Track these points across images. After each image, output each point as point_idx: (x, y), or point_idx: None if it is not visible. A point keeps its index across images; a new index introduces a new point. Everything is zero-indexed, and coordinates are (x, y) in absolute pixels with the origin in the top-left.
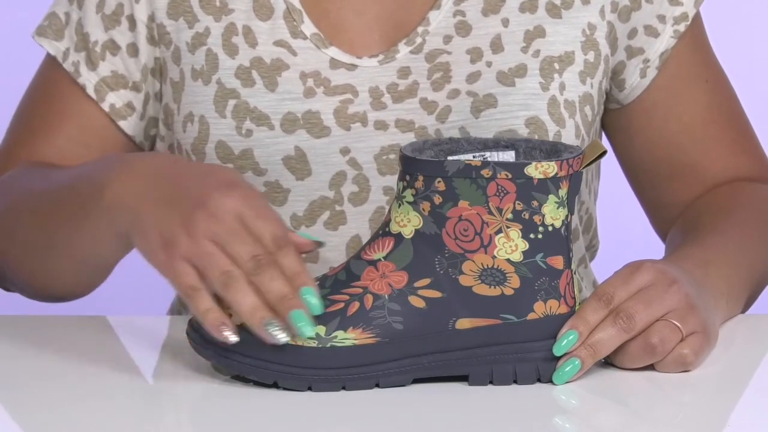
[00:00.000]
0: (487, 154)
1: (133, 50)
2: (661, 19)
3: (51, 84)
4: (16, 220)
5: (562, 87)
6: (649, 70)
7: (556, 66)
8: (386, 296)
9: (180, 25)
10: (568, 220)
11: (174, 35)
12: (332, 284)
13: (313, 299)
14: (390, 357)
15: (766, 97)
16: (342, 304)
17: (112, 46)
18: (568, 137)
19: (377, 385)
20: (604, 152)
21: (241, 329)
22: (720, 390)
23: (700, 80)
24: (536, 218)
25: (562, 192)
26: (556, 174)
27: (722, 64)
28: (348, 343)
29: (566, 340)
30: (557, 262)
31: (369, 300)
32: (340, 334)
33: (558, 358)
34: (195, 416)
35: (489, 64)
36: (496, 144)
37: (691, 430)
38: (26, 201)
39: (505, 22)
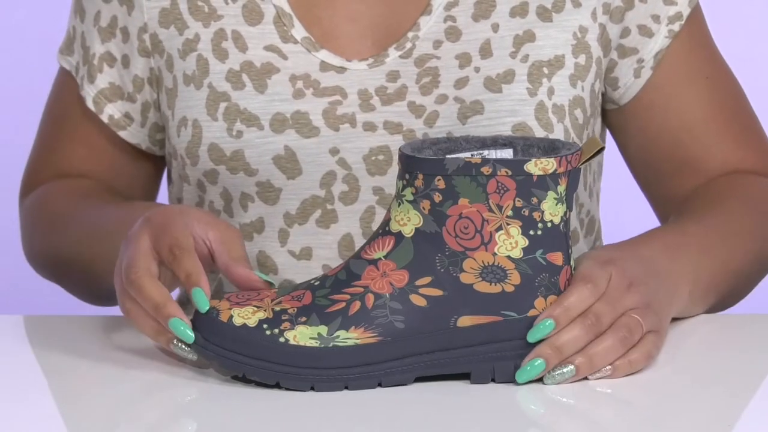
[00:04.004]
0: (486, 152)
1: (126, 61)
2: (656, 18)
3: (63, 98)
4: (61, 237)
5: (550, 91)
6: (644, 70)
7: (545, 70)
8: (387, 295)
9: (171, 32)
10: (567, 216)
11: (166, 43)
12: (333, 284)
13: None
14: (392, 356)
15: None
16: (343, 304)
17: (109, 58)
18: None
19: (380, 385)
20: (602, 148)
21: (244, 329)
22: (720, 390)
23: (700, 77)
24: (536, 215)
25: (561, 188)
26: (555, 170)
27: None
28: (350, 342)
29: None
30: (557, 258)
31: (370, 299)
32: (342, 333)
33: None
34: (195, 416)
35: (477, 70)
36: (494, 142)
37: (691, 430)
38: (72, 224)
39: (495, 27)
